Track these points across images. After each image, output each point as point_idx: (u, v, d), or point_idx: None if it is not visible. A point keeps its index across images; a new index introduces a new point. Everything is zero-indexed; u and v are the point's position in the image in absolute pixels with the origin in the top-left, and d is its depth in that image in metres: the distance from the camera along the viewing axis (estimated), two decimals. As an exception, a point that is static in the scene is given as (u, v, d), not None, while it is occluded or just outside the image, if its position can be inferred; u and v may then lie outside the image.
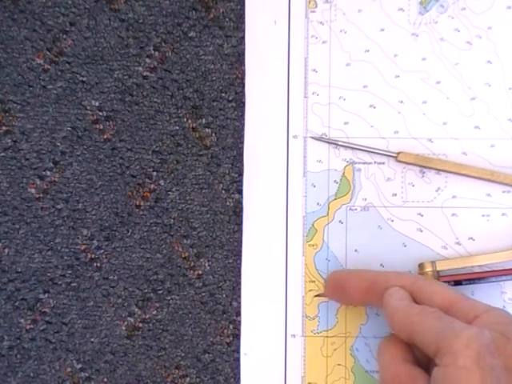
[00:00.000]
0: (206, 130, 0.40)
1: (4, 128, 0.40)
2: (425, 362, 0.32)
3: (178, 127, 0.40)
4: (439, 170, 0.38)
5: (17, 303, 0.40)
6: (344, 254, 0.39)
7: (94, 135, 0.40)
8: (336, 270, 0.38)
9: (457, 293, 0.33)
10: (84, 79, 0.40)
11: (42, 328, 0.40)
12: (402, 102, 0.39)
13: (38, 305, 0.40)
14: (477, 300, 0.33)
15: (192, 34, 0.40)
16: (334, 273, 0.37)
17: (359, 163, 0.39)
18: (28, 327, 0.40)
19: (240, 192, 0.39)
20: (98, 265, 0.40)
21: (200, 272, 0.40)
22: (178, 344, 0.40)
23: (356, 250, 0.39)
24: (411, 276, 0.35)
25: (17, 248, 0.40)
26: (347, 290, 0.36)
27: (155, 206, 0.40)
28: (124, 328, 0.40)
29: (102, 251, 0.40)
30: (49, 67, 0.40)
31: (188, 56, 0.40)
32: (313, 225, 0.39)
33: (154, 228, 0.40)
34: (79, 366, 0.40)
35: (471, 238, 0.38)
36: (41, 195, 0.40)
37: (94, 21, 0.40)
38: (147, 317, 0.40)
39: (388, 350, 0.33)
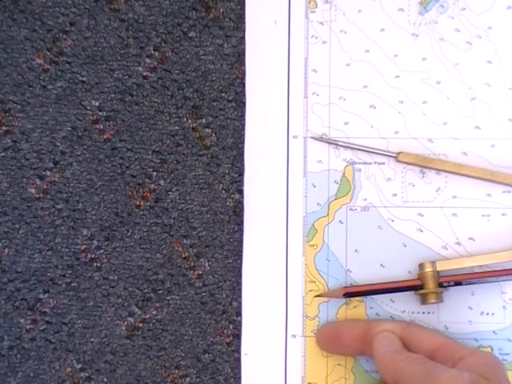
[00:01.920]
0: (206, 129, 0.40)
1: (4, 128, 0.40)
2: None
3: (178, 127, 0.40)
4: (439, 170, 0.38)
5: (17, 303, 0.40)
6: (344, 254, 0.39)
7: (94, 135, 0.40)
8: (326, 323, 0.39)
9: (445, 337, 0.35)
10: (84, 79, 0.40)
11: (42, 328, 0.40)
12: (402, 102, 0.39)
13: (38, 305, 0.40)
14: (464, 344, 0.36)
15: (192, 34, 0.40)
16: (326, 325, 0.38)
17: (359, 163, 0.39)
18: (28, 327, 0.40)
19: (240, 192, 0.39)
20: (98, 265, 0.40)
21: (200, 272, 0.40)
22: (178, 344, 0.40)
23: (356, 250, 0.39)
24: (403, 322, 0.37)
25: (17, 248, 0.40)
26: (342, 340, 0.37)
27: (155, 206, 0.40)
28: (124, 328, 0.40)
29: (102, 251, 0.40)
30: (49, 67, 0.40)
31: (188, 56, 0.40)
32: (313, 225, 0.39)
33: (154, 228, 0.40)
34: (79, 366, 0.40)
35: (471, 238, 0.38)
36: (41, 195, 0.40)
37: (94, 21, 0.40)
38: (147, 317, 0.40)
39: None
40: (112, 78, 0.40)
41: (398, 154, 0.38)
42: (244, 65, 0.39)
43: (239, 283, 0.39)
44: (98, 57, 0.40)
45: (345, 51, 0.39)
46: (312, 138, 0.39)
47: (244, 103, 0.39)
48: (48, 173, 0.40)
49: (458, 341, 0.35)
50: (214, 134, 0.40)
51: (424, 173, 0.39)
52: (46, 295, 0.40)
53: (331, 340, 0.38)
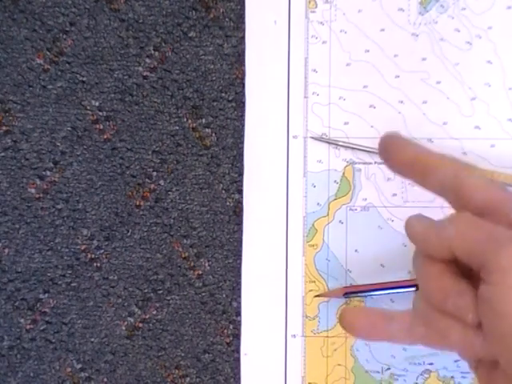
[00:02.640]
0: (206, 130, 0.40)
1: (4, 128, 0.40)
2: (468, 274, 0.29)
3: (178, 127, 0.40)
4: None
5: (17, 303, 0.40)
6: (344, 254, 0.39)
7: (94, 135, 0.40)
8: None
9: (503, 189, 0.29)
10: (84, 79, 0.40)
11: (42, 328, 0.40)
12: (402, 102, 0.39)
13: (38, 305, 0.40)
14: None
15: (192, 34, 0.40)
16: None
17: (359, 163, 0.39)
18: (28, 327, 0.40)
19: (240, 192, 0.39)
20: (98, 265, 0.40)
21: (200, 272, 0.40)
22: (178, 344, 0.40)
23: (356, 250, 0.39)
24: (455, 164, 0.30)
25: (17, 248, 0.40)
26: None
27: (155, 206, 0.40)
28: (124, 328, 0.40)
29: (102, 251, 0.40)
30: (49, 67, 0.40)
31: (188, 56, 0.40)
32: (313, 225, 0.39)
33: (154, 228, 0.40)
34: (79, 366, 0.40)
35: (471, 238, 0.38)
36: (41, 195, 0.40)
37: (94, 21, 0.40)
38: (147, 317, 0.40)
39: (433, 262, 0.29)
40: (112, 78, 0.40)
41: (398, 153, 0.38)
42: (244, 65, 0.39)
43: (239, 283, 0.39)
44: (97, 57, 0.40)
45: (345, 51, 0.39)
46: (312, 137, 0.39)
47: (244, 103, 0.39)
48: (48, 173, 0.40)
49: None
50: (213, 134, 0.40)
51: (424, 173, 0.39)
52: (46, 295, 0.40)
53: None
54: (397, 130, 0.32)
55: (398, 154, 0.31)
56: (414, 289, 0.37)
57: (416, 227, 0.29)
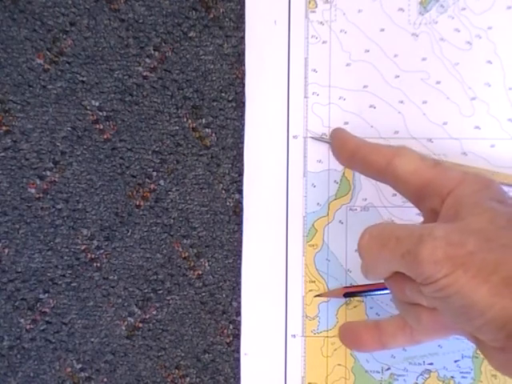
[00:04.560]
0: (206, 130, 0.40)
1: (4, 128, 0.40)
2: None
3: (178, 127, 0.40)
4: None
5: (17, 303, 0.40)
6: (344, 254, 0.39)
7: (94, 135, 0.40)
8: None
9: (431, 166, 0.30)
10: (84, 79, 0.40)
11: (42, 328, 0.40)
12: (402, 102, 0.39)
13: (38, 305, 0.40)
14: (449, 168, 0.30)
15: (192, 34, 0.40)
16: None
17: (359, 163, 0.39)
18: (28, 327, 0.40)
19: (240, 192, 0.39)
20: (98, 265, 0.40)
21: (200, 272, 0.40)
22: (178, 344, 0.40)
23: (356, 250, 0.39)
24: (387, 152, 0.32)
25: (17, 248, 0.40)
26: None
27: (155, 206, 0.40)
28: (124, 328, 0.40)
29: (102, 251, 0.40)
30: (49, 67, 0.40)
31: (188, 56, 0.40)
32: (313, 225, 0.39)
33: (154, 228, 0.40)
34: (79, 366, 0.40)
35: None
36: (41, 195, 0.40)
37: (94, 21, 0.40)
38: (147, 317, 0.40)
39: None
40: (112, 77, 0.40)
41: (398, 153, 0.38)
42: (244, 65, 0.39)
43: (239, 283, 0.39)
44: (97, 57, 0.40)
45: (345, 51, 0.39)
46: (312, 137, 0.39)
47: (244, 103, 0.39)
48: (48, 173, 0.40)
49: (447, 168, 0.31)
50: (213, 134, 0.40)
51: (424, 173, 0.39)
52: (46, 295, 0.40)
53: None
54: (343, 128, 0.36)
55: (341, 148, 0.34)
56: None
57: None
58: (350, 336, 0.36)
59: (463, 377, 0.38)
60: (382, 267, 0.30)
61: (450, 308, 0.27)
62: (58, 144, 0.40)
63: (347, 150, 0.34)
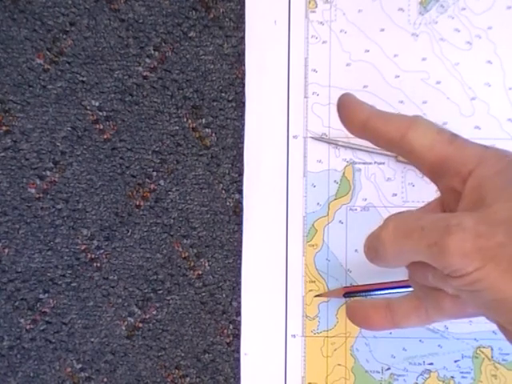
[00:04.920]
0: (206, 130, 0.40)
1: (4, 128, 0.40)
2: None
3: (178, 127, 0.40)
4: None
5: (17, 303, 0.40)
6: (344, 254, 0.39)
7: (93, 135, 0.40)
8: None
9: (448, 141, 0.28)
10: (84, 79, 0.40)
11: (42, 328, 0.40)
12: (402, 102, 0.39)
13: (38, 305, 0.40)
14: (468, 144, 0.28)
15: (192, 34, 0.40)
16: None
17: (359, 163, 0.39)
18: (28, 327, 0.40)
19: (240, 192, 0.39)
20: (98, 265, 0.40)
21: (200, 272, 0.40)
22: (178, 344, 0.40)
23: (356, 250, 0.39)
24: (402, 122, 0.29)
25: (17, 248, 0.40)
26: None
27: (155, 206, 0.40)
28: (124, 328, 0.40)
29: (102, 251, 0.40)
30: (49, 67, 0.40)
31: (188, 56, 0.40)
32: (313, 225, 0.39)
33: (154, 228, 0.40)
34: (79, 365, 0.40)
35: (471, 238, 0.38)
36: (41, 195, 0.40)
37: (94, 21, 0.40)
38: (147, 317, 0.40)
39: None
40: (112, 78, 0.40)
41: (398, 153, 0.38)
42: (244, 65, 0.39)
43: (239, 283, 0.39)
44: (97, 57, 0.40)
45: (345, 51, 0.39)
46: (312, 137, 0.39)
47: (244, 103, 0.39)
48: (48, 173, 0.40)
49: (467, 145, 0.28)
50: (213, 134, 0.40)
51: (424, 173, 0.39)
52: (46, 295, 0.40)
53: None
54: (351, 93, 0.32)
55: (350, 118, 0.31)
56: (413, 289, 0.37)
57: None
58: (361, 314, 0.33)
59: (463, 377, 0.38)
60: (405, 257, 0.28)
61: (479, 301, 0.26)
62: (58, 144, 0.40)
63: (357, 119, 0.30)
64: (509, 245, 0.24)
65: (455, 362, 0.38)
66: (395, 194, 0.39)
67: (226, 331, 0.39)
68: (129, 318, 0.40)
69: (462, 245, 0.24)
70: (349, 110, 0.31)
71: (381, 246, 0.28)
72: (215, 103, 0.40)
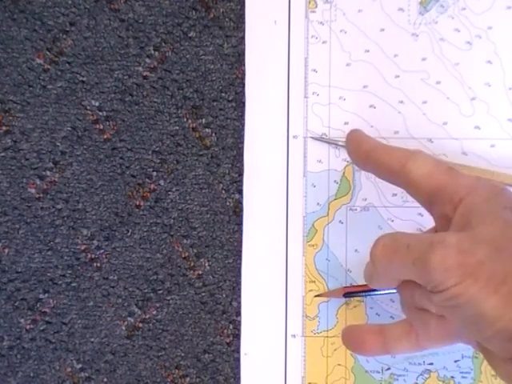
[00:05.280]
0: (206, 130, 0.40)
1: (4, 128, 0.40)
2: None
3: (178, 127, 0.40)
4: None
5: (17, 303, 0.40)
6: (344, 254, 0.39)
7: (93, 135, 0.40)
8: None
9: (444, 172, 0.30)
10: (84, 79, 0.40)
11: (42, 328, 0.40)
12: (402, 102, 0.39)
13: (38, 305, 0.40)
14: (462, 175, 0.30)
15: (192, 34, 0.40)
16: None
17: (359, 163, 0.39)
18: (28, 327, 0.40)
19: (240, 192, 0.39)
20: (98, 265, 0.40)
21: (200, 272, 0.40)
22: (178, 344, 0.40)
23: (356, 250, 0.39)
24: (401, 154, 0.31)
25: (17, 248, 0.40)
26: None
27: (155, 206, 0.40)
28: (124, 328, 0.40)
29: (102, 251, 0.40)
30: (49, 67, 0.40)
31: (188, 56, 0.40)
32: (313, 225, 0.39)
33: (154, 228, 0.40)
34: (79, 365, 0.40)
35: (471, 238, 0.38)
36: (41, 195, 0.40)
37: (94, 21, 0.40)
38: (147, 317, 0.40)
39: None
40: (112, 78, 0.40)
41: (398, 153, 0.38)
42: (244, 65, 0.39)
43: (239, 283, 0.39)
44: (97, 57, 0.40)
45: (345, 51, 0.39)
46: (312, 137, 0.39)
47: (244, 103, 0.39)
48: (48, 173, 0.40)
49: (461, 176, 0.30)
50: (214, 134, 0.40)
51: (424, 173, 0.39)
52: (46, 295, 0.40)
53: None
54: (359, 129, 0.35)
55: (356, 150, 0.33)
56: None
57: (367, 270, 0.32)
58: (354, 339, 0.35)
59: (463, 377, 0.38)
60: (394, 274, 0.30)
61: (459, 317, 0.27)
62: (58, 144, 0.40)
63: (362, 151, 0.33)
64: (488, 262, 0.26)
65: (455, 362, 0.38)
66: (395, 194, 0.39)
67: (226, 331, 0.40)
68: (129, 318, 0.40)
69: (444, 260, 0.26)
70: (355, 142, 0.34)
71: (372, 263, 0.30)
72: (215, 103, 0.40)
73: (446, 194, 0.30)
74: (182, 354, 0.40)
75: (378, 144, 0.33)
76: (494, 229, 0.27)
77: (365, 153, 0.33)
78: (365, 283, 0.38)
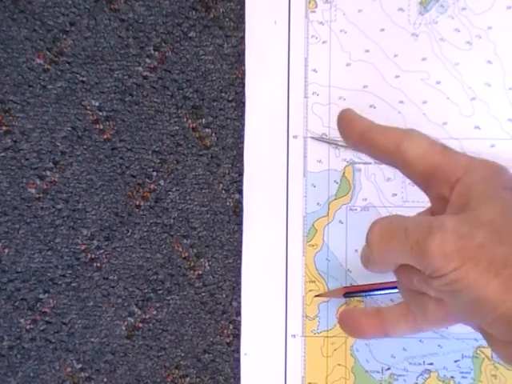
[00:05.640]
0: (206, 130, 0.40)
1: (4, 128, 0.40)
2: None
3: (178, 127, 0.40)
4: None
5: (17, 303, 0.40)
6: (344, 254, 0.39)
7: (94, 135, 0.40)
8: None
9: (439, 151, 0.29)
10: (84, 79, 0.40)
11: (42, 328, 0.40)
12: (402, 102, 0.39)
13: (38, 305, 0.40)
14: (458, 154, 0.29)
15: (192, 34, 0.40)
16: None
17: (359, 163, 0.39)
18: (28, 327, 0.40)
19: (240, 192, 0.39)
20: (98, 265, 0.40)
21: (200, 272, 0.40)
22: (178, 344, 0.40)
23: (356, 250, 0.39)
24: (396, 134, 0.31)
25: (17, 248, 0.40)
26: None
27: (155, 206, 0.40)
28: (124, 328, 0.40)
29: (102, 251, 0.40)
30: (49, 67, 0.40)
31: (188, 56, 0.40)
32: (313, 225, 0.39)
33: (154, 228, 0.40)
34: (79, 365, 0.40)
35: (471, 238, 0.38)
36: (41, 195, 0.40)
37: (94, 21, 0.40)
38: (147, 317, 0.40)
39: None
40: (112, 78, 0.40)
41: (398, 153, 0.38)
42: (244, 65, 0.39)
43: (239, 283, 0.39)
44: (97, 57, 0.40)
45: (345, 51, 0.39)
46: (312, 137, 0.39)
47: (244, 103, 0.39)
48: (48, 173, 0.40)
49: (457, 155, 0.30)
50: (214, 134, 0.40)
51: (424, 173, 0.39)
52: (46, 295, 0.40)
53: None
54: (351, 108, 0.33)
55: (349, 129, 0.32)
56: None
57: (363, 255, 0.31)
58: (351, 323, 0.34)
59: (463, 377, 0.38)
60: (391, 259, 0.29)
61: (459, 302, 0.26)
62: (58, 144, 0.40)
63: (355, 131, 0.32)
64: (488, 246, 0.25)
65: (455, 361, 0.38)
66: (395, 194, 0.39)
67: (226, 331, 0.40)
68: (129, 318, 0.40)
69: (443, 245, 0.25)
70: (348, 122, 0.32)
71: (368, 248, 0.30)
72: (215, 103, 0.40)
73: (442, 174, 0.29)
74: (182, 354, 0.40)
75: (372, 124, 0.32)
76: (495, 210, 0.26)
77: (359, 133, 0.32)
78: (365, 283, 0.38)
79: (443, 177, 0.29)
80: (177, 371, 0.40)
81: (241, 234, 0.39)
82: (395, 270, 0.31)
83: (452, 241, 0.25)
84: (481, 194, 0.27)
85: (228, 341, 0.40)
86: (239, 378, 0.39)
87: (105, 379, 0.40)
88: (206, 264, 0.40)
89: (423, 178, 0.30)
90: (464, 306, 0.26)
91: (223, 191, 0.40)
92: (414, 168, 0.30)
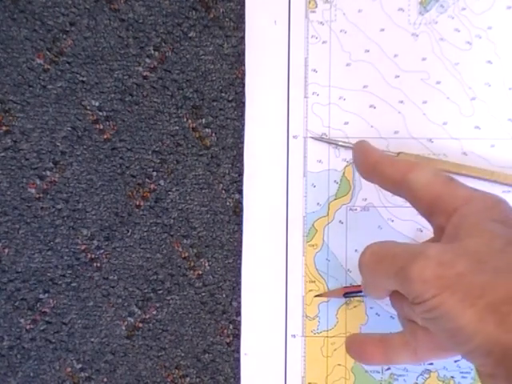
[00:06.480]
0: (206, 130, 0.40)
1: (4, 128, 0.40)
2: None
3: (178, 127, 0.40)
4: (439, 170, 0.38)
5: (17, 303, 0.40)
6: (344, 254, 0.39)
7: (94, 135, 0.40)
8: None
9: (443, 182, 0.30)
10: (84, 79, 0.40)
11: (42, 328, 0.40)
12: (402, 102, 0.39)
13: (38, 305, 0.40)
14: (461, 186, 0.30)
15: (192, 34, 0.40)
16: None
17: (359, 163, 0.39)
18: (28, 327, 0.40)
19: (240, 192, 0.39)
20: (98, 265, 0.40)
21: (200, 272, 0.40)
22: (178, 344, 0.40)
23: (356, 250, 0.39)
24: (404, 166, 0.31)
25: (17, 248, 0.40)
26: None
27: (155, 206, 0.40)
28: (124, 328, 0.40)
29: (102, 251, 0.40)
30: (49, 67, 0.40)
31: (188, 56, 0.40)
32: (313, 225, 0.39)
33: (154, 228, 0.40)
34: (79, 365, 0.40)
35: (471, 238, 0.38)
36: (41, 195, 0.40)
37: (94, 21, 0.40)
38: (147, 317, 0.40)
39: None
40: (112, 78, 0.40)
41: (398, 153, 0.38)
42: (244, 65, 0.39)
43: (239, 283, 0.39)
44: (97, 57, 0.40)
45: (345, 51, 0.39)
46: (312, 137, 0.39)
47: (244, 103, 0.39)
48: (48, 173, 0.40)
49: (456, 182, 0.30)
50: (214, 134, 0.40)
51: (424, 173, 0.39)
52: (46, 295, 0.40)
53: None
54: (365, 140, 0.35)
55: (362, 162, 0.33)
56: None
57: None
58: (357, 348, 0.35)
59: (463, 377, 0.38)
60: (380, 284, 0.30)
61: (439, 330, 0.27)
62: (58, 144, 0.40)
63: (368, 164, 0.33)
64: (468, 275, 0.25)
65: (455, 362, 0.39)
66: (395, 194, 0.39)
67: (226, 331, 0.40)
68: (129, 318, 0.40)
69: (423, 271, 0.26)
70: (361, 154, 0.34)
71: (359, 271, 0.31)
72: (215, 103, 0.40)
73: (443, 204, 0.29)
74: (182, 354, 0.40)
75: (384, 156, 0.33)
76: (480, 241, 0.27)
77: (371, 165, 0.33)
78: (365, 283, 0.38)
79: (444, 207, 0.29)
80: (177, 371, 0.40)
81: (241, 234, 0.39)
82: (389, 296, 0.31)
83: (432, 267, 0.26)
84: (471, 225, 0.28)
85: (228, 341, 0.40)
86: (239, 378, 0.39)
87: (105, 379, 0.40)
88: (206, 264, 0.40)
89: (427, 208, 0.30)
90: (445, 334, 0.26)
91: (223, 191, 0.40)
92: (418, 197, 0.30)
